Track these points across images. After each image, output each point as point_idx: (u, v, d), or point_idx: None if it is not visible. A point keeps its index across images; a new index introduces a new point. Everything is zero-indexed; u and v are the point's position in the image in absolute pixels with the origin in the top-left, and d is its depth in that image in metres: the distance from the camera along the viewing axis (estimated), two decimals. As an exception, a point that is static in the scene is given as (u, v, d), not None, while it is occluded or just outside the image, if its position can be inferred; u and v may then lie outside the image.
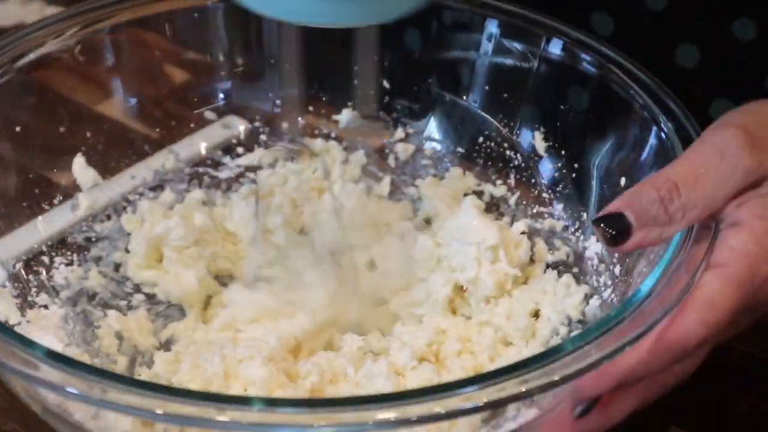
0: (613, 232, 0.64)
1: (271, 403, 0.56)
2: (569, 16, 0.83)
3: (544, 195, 0.85)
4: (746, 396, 0.75)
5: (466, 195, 0.88)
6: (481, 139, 0.89)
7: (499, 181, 0.88)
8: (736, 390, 0.75)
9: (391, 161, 0.91)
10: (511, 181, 0.87)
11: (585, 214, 0.82)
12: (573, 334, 0.76)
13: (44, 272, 0.80)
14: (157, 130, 0.89)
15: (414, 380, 0.74)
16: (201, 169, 0.90)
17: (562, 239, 0.83)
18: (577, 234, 0.83)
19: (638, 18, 0.85)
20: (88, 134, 0.85)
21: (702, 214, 0.65)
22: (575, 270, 0.81)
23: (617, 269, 0.77)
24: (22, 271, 0.78)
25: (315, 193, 0.89)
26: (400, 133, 0.92)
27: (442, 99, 0.89)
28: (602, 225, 0.65)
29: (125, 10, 0.85)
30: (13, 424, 0.71)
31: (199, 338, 0.79)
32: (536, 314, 0.80)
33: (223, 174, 0.90)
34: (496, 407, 0.56)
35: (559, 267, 0.82)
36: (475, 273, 0.80)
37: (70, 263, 0.82)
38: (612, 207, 0.65)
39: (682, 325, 0.61)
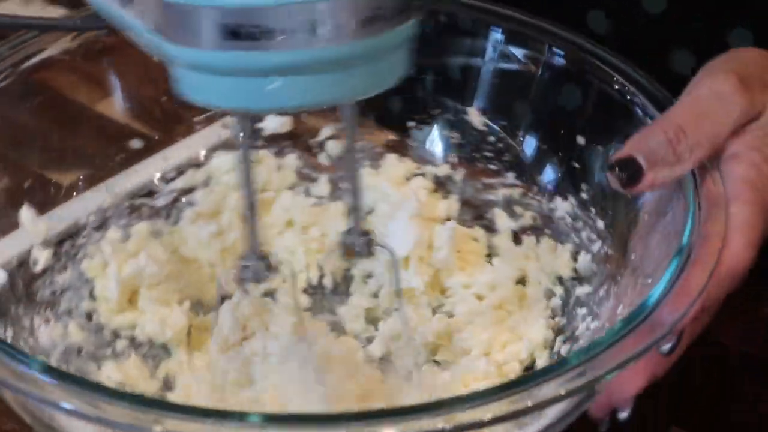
0: (627, 176, 0.68)
1: (269, 418, 0.55)
2: (565, 13, 0.85)
3: (491, 166, 0.87)
4: (746, 396, 0.77)
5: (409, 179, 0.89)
6: (412, 123, 0.90)
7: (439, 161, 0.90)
8: (736, 390, 0.77)
9: (323, 159, 0.91)
10: (453, 159, 0.89)
11: (541, 177, 0.85)
12: (577, 290, 0.79)
13: (30, 336, 0.75)
14: (157, 130, 0.88)
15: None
16: (137, 201, 0.87)
17: (522, 205, 0.86)
18: (538, 197, 0.85)
19: (635, 19, 0.87)
20: (86, 137, 0.85)
21: (707, 153, 0.69)
22: (548, 231, 0.84)
23: (599, 223, 0.80)
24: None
25: (264, 206, 0.87)
26: (327, 130, 0.91)
27: (444, 106, 0.89)
28: (616, 169, 0.68)
29: None
30: (12, 423, 0.69)
31: (199, 365, 0.77)
32: (522, 281, 0.83)
33: (160, 201, 0.87)
34: (501, 422, 0.55)
35: (528, 232, 0.85)
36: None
37: (47, 321, 0.77)
38: (623, 152, 0.68)
39: (733, 250, 0.65)
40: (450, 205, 0.87)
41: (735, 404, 0.76)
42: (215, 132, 0.90)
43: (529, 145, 0.85)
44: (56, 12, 1.16)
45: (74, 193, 0.83)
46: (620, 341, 0.58)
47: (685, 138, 0.68)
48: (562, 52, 0.80)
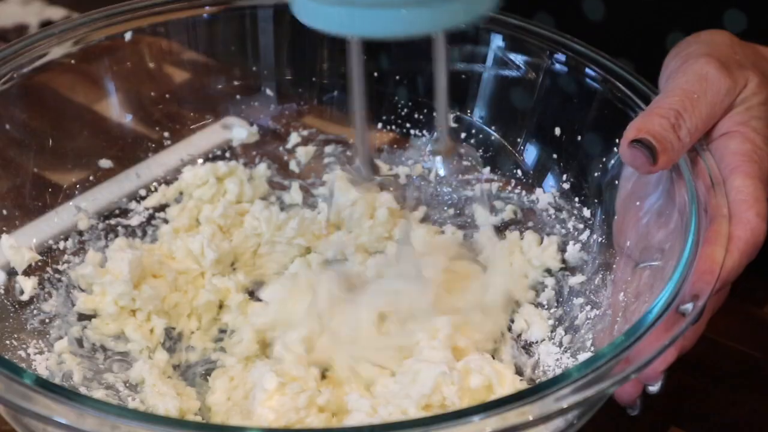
0: (649, 153, 0.68)
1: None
2: (562, 1, 0.84)
3: (465, 163, 0.88)
4: (746, 396, 0.77)
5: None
6: (380, 125, 0.90)
7: (410, 161, 0.90)
8: (736, 390, 0.77)
9: (293, 167, 0.90)
10: (424, 158, 0.89)
11: (519, 171, 0.86)
12: (570, 280, 0.80)
13: (28, 368, 0.73)
14: (157, 129, 0.88)
15: None
16: (113, 221, 0.85)
17: (501, 199, 0.86)
18: (517, 190, 0.86)
19: (630, 4, 0.88)
20: (88, 139, 0.85)
21: (701, 135, 0.71)
22: (530, 224, 0.85)
23: (585, 212, 0.81)
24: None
25: (240, 218, 0.86)
26: (295, 138, 0.90)
27: (460, 120, 0.88)
28: (639, 146, 0.68)
29: (125, 22, 0.83)
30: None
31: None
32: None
33: (134, 220, 0.86)
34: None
35: (510, 226, 0.85)
36: None
37: (41, 352, 0.75)
38: (631, 134, 0.68)
39: (748, 223, 0.67)
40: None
41: (734, 404, 0.76)
42: (215, 132, 0.89)
43: (530, 151, 0.85)
44: (56, 12, 1.14)
45: (75, 194, 0.84)
46: (622, 353, 0.59)
47: (684, 123, 0.69)
48: (563, 59, 0.80)
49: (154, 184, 0.87)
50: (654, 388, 0.67)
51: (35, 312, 0.77)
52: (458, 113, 0.87)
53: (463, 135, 0.88)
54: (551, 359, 0.76)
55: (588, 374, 0.57)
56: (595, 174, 0.79)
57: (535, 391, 0.56)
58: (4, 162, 0.80)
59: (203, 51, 0.87)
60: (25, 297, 0.78)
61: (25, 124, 0.82)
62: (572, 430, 0.65)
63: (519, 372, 0.76)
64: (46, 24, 1.14)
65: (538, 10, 0.89)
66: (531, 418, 0.55)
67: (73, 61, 0.82)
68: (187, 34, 0.86)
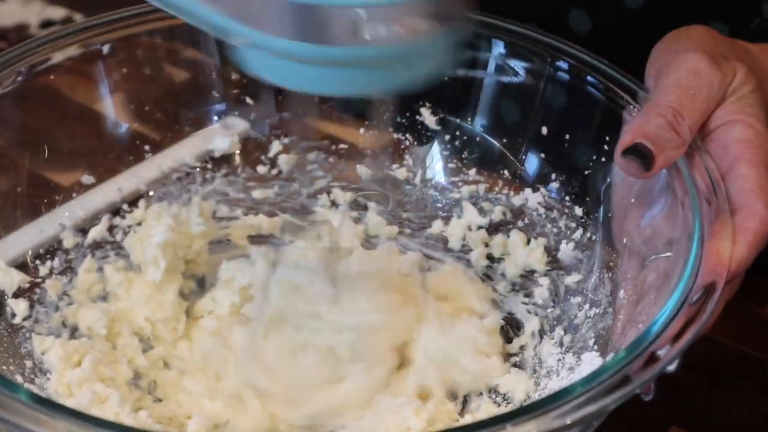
0: (642, 162, 0.68)
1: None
2: (547, 13, 0.84)
3: (451, 165, 0.87)
4: (746, 396, 0.77)
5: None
6: (362, 131, 0.89)
7: (395, 165, 0.89)
8: (736, 390, 0.78)
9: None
10: (409, 161, 0.89)
11: (506, 172, 0.85)
12: (566, 280, 0.80)
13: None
14: (158, 131, 0.87)
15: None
16: (98, 239, 0.83)
17: (489, 200, 0.86)
18: (505, 191, 0.85)
19: (616, 16, 0.88)
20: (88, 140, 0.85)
21: (698, 129, 0.71)
22: (520, 224, 0.84)
23: (577, 210, 0.81)
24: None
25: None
26: (277, 146, 0.89)
27: (445, 122, 0.87)
28: (631, 156, 0.68)
29: (124, 28, 0.83)
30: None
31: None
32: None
33: (119, 236, 0.84)
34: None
35: (501, 227, 0.85)
36: None
37: (36, 375, 0.73)
38: (627, 138, 0.69)
39: (756, 214, 0.67)
40: None
41: (734, 404, 0.77)
42: (215, 133, 0.89)
43: (532, 160, 0.84)
44: (56, 12, 1.13)
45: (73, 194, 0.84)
46: (626, 366, 0.59)
47: (683, 120, 0.70)
48: (565, 66, 0.80)
49: (137, 198, 0.86)
50: (672, 368, 0.67)
51: (28, 335, 0.76)
52: (458, 120, 0.87)
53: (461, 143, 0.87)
54: (552, 359, 0.76)
55: (592, 389, 0.57)
56: (593, 175, 0.79)
57: (539, 405, 0.56)
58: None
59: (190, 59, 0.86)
60: (17, 320, 0.76)
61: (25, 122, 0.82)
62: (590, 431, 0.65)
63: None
64: (46, 24, 1.13)
65: (526, 22, 0.89)
66: None
67: (72, 63, 0.82)
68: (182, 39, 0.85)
